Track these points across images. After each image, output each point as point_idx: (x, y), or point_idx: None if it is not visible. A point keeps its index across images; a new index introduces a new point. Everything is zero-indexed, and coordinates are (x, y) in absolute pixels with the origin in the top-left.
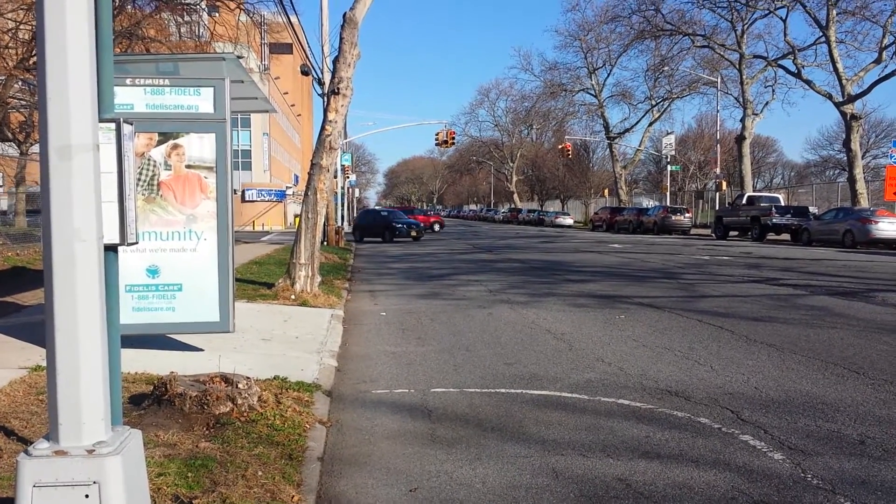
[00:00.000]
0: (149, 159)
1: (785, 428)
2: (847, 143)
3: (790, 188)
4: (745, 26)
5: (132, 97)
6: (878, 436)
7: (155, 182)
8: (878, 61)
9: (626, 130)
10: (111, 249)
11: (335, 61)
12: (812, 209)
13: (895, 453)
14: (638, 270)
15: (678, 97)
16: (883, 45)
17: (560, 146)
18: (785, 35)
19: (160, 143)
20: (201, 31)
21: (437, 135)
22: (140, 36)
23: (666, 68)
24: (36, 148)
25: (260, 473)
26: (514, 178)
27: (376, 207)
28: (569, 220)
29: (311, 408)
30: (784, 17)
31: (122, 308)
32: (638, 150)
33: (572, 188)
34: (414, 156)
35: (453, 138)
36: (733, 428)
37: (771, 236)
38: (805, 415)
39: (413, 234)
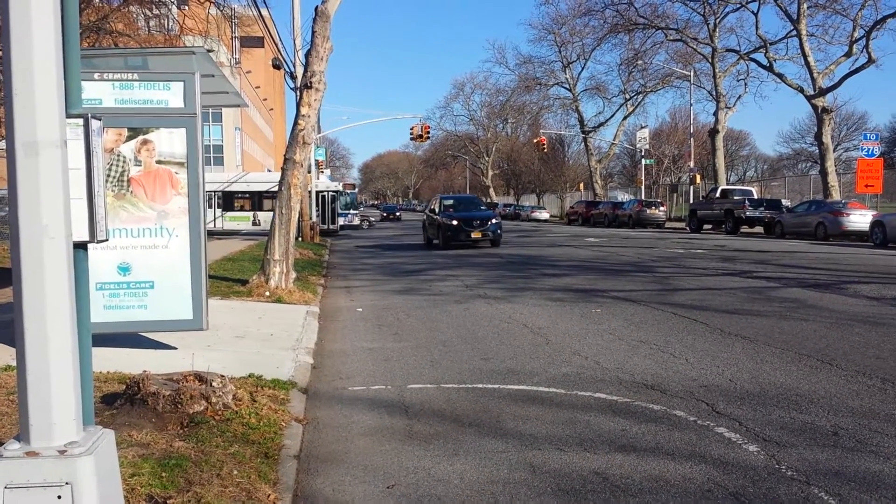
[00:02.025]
0: (118, 155)
1: (759, 420)
2: (819, 136)
3: (763, 181)
4: (718, 20)
5: (100, 92)
6: (851, 427)
7: (125, 178)
8: (848, 55)
9: (601, 124)
10: (81, 247)
11: (307, 55)
12: (785, 202)
13: (868, 444)
14: (613, 264)
15: (652, 91)
16: (853, 38)
17: (535, 140)
18: (757, 29)
19: (130, 138)
20: (170, 24)
21: (411, 129)
22: (108, 30)
23: (639, 62)
24: (2, 144)
25: (235, 472)
26: (490, 173)
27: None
28: (545, 215)
29: (286, 405)
30: (756, 11)
31: (92, 306)
32: (612, 144)
33: (548, 182)
34: (388, 150)
35: (428, 132)
36: (708, 420)
37: (744, 229)
38: (779, 406)
39: (475, 235)
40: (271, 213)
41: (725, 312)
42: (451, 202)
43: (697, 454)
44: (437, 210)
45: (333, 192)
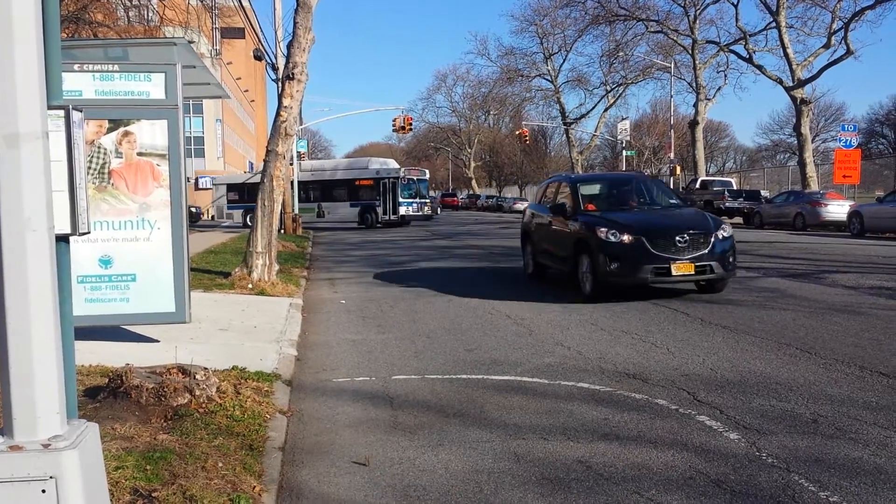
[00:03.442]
0: (99, 147)
1: (740, 408)
2: (797, 127)
3: (742, 172)
4: (698, 12)
5: (81, 83)
6: (830, 414)
7: (106, 170)
8: (826, 46)
9: (582, 116)
10: (62, 240)
11: (289, 46)
12: (764, 193)
13: (847, 431)
14: None
15: (633, 83)
16: (832, 30)
17: (517, 132)
18: (736, 20)
19: (110, 130)
20: (150, 15)
21: (394, 121)
22: (87, 20)
23: (620, 54)
24: None
25: (220, 465)
26: (473, 164)
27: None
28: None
29: (270, 397)
30: (735, 3)
31: (74, 300)
32: (594, 135)
33: (530, 174)
34: (371, 142)
35: (410, 124)
36: (690, 409)
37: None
38: (759, 395)
39: (680, 269)
40: (336, 204)
41: (706, 302)
42: (598, 190)
43: (679, 442)
44: (568, 209)
45: (394, 178)
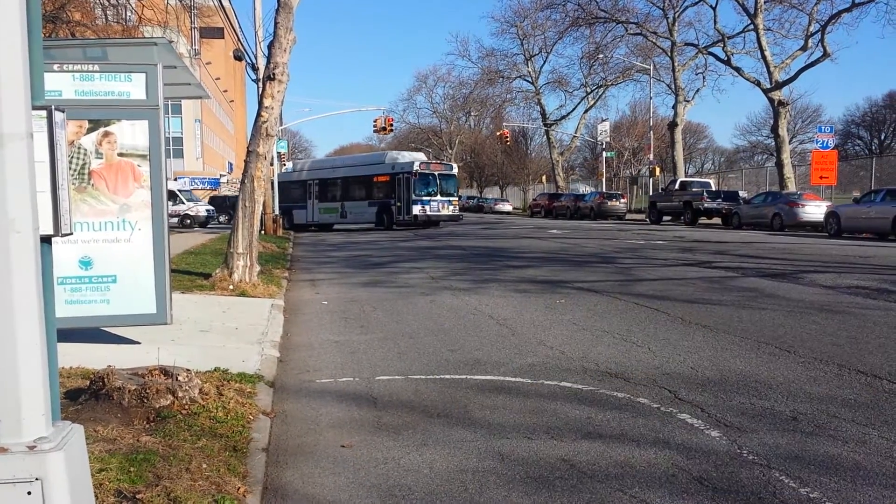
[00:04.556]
0: (79, 147)
1: (721, 406)
2: (775, 128)
3: (720, 173)
4: (677, 14)
5: (60, 83)
6: (809, 412)
7: (86, 171)
8: (804, 49)
9: (563, 117)
10: (45, 241)
11: (270, 46)
12: (742, 193)
13: (826, 428)
14: (576, 255)
15: (612, 84)
16: (809, 32)
17: (498, 133)
18: (715, 23)
19: (90, 130)
20: (129, 14)
21: (375, 121)
22: (65, 20)
23: (600, 56)
24: None
25: (204, 466)
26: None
27: None
28: (508, 207)
29: (253, 399)
30: (714, 6)
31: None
32: (574, 136)
33: (511, 175)
34: (352, 143)
35: (392, 125)
36: (671, 407)
37: (703, 220)
38: (740, 393)
39: None
40: (356, 203)
41: (686, 302)
42: None
43: (661, 440)
44: None
45: (408, 173)
